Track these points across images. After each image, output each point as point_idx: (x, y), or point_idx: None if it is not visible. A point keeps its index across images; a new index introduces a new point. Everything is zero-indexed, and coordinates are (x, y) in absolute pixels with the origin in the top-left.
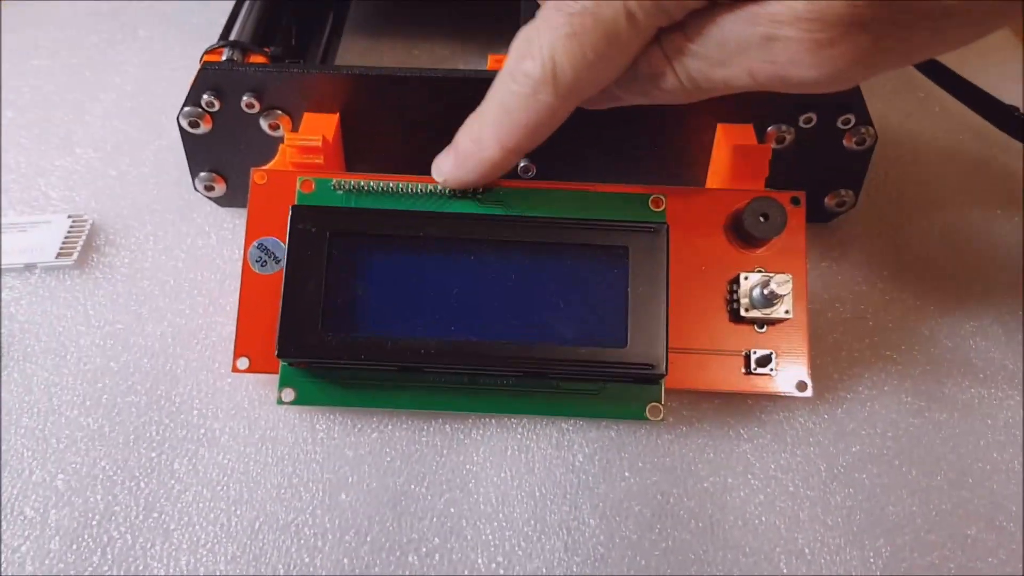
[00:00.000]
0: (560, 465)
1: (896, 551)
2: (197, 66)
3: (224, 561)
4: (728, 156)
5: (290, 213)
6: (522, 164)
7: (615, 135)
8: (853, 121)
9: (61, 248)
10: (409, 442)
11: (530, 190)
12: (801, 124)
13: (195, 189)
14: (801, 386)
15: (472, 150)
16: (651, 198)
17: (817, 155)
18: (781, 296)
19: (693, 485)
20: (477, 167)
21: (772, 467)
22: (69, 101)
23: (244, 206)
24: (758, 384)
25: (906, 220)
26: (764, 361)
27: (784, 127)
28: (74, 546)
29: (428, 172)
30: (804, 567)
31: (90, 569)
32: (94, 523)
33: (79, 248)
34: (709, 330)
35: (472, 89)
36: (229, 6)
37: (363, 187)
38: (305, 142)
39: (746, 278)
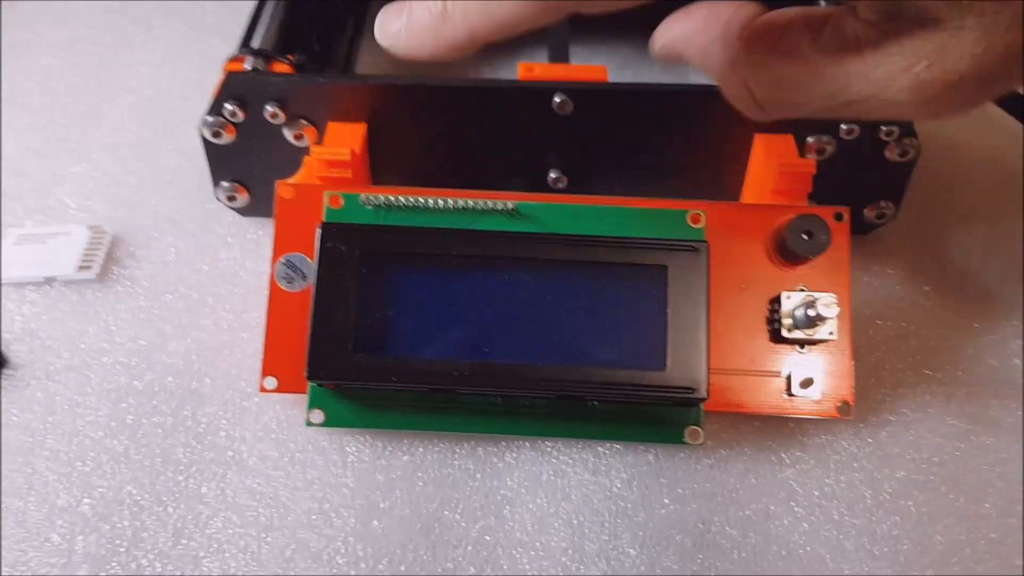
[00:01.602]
0: (598, 492)
1: None
2: (214, 66)
3: None
4: (769, 170)
5: (319, 231)
6: (553, 175)
7: (648, 145)
8: (897, 133)
9: (82, 261)
10: (441, 465)
11: (564, 206)
12: (842, 135)
13: (217, 199)
14: (845, 409)
15: (433, 25)
16: (690, 214)
17: (858, 167)
18: (826, 319)
19: (735, 513)
20: (433, 45)
21: (816, 494)
22: (83, 103)
23: (267, 216)
24: (800, 406)
25: (946, 232)
26: (807, 383)
27: (825, 138)
28: (102, 574)
29: (458, 185)
30: None
31: None
32: (122, 550)
33: (100, 261)
34: (749, 351)
35: (504, 98)
36: (243, 4)
37: (393, 202)
38: (333, 156)
39: (788, 298)
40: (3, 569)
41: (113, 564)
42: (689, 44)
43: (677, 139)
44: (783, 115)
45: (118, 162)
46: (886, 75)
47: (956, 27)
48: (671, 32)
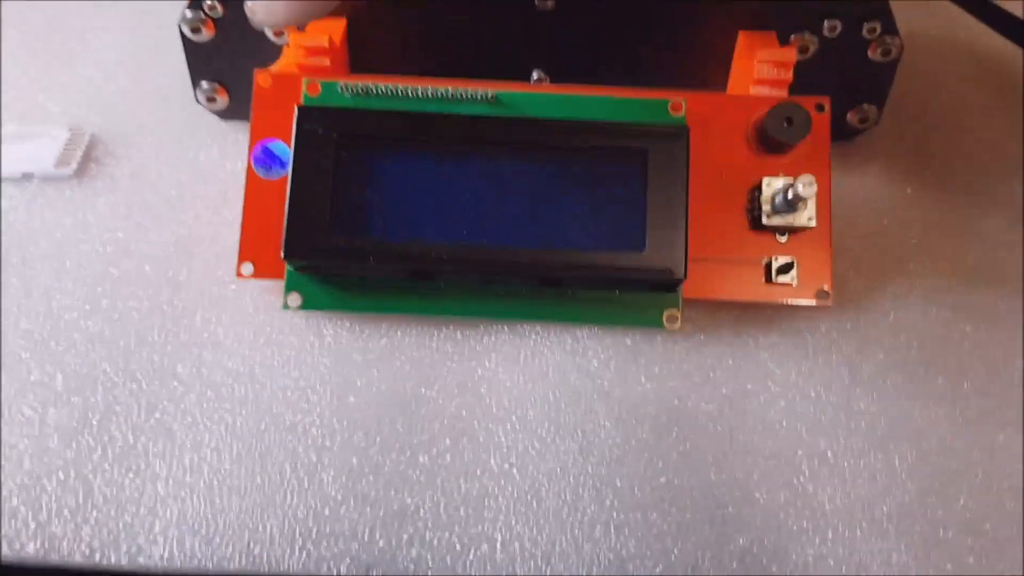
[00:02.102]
0: (574, 370)
1: (922, 455)
2: None
3: (229, 460)
4: (751, 62)
5: (296, 113)
6: (536, 76)
7: (631, 41)
8: (879, 30)
9: (60, 159)
10: (418, 347)
11: (544, 95)
12: (825, 33)
13: (196, 100)
14: (823, 295)
15: None
16: (671, 103)
17: (840, 67)
18: (805, 199)
19: (711, 391)
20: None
21: (793, 374)
22: (68, 9)
23: (247, 119)
24: (778, 293)
25: (928, 140)
26: (785, 269)
27: (807, 35)
28: (73, 444)
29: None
30: (827, 470)
31: (90, 466)
32: (94, 422)
33: (78, 159)
34: (728, 239)
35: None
36: None
37: (371, 90)
38: (312, 42)
39: (768, 184)
40: None
41: (84, 435)
42: None
43: (661, 37)
44: None
45: (102, 71)
46: None
47: None
48: None
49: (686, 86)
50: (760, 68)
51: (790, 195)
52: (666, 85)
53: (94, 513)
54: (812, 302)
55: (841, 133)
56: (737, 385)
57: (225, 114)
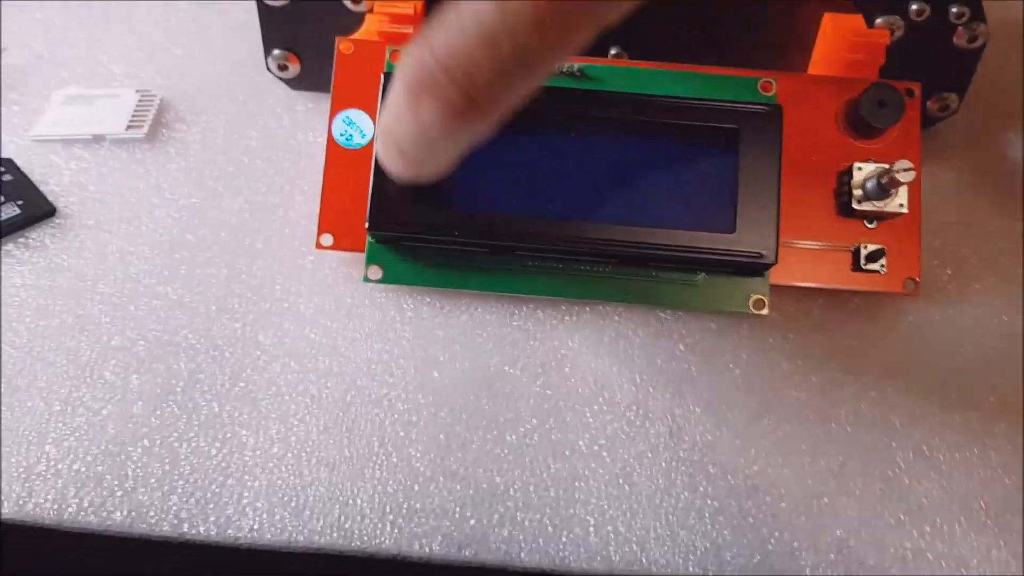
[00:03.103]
0: (660, 353)
1: (1018, 450)
2: None
3: (317, 431)
4: (841, 43)
5: (382, 81)
6: (614, 52)
7: (714, 21)
8: (967, 15)
9: (131, 121)
10: (500, 325)
11: (631, 68)
12: (912, 16)
13: (267, 69)
14: (911, 284)
15: None
16: (760, 81)
17: (924, 53)
18: (901, 185)
19: (801, 379)
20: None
21: (883, 364)
22: None
23: (318, 90)
24: (866, 282)
25: (1008, 131)
26: (875, 256)
27: (893, 18)
28: (158, 411)
29: None
30: (923, 462)
31: (176, 434)
32: (178, 389)
33: (149, 122)
34: (816, 223)
35: None
36: None
37: None
38: (396, 9)
39: (860, 168)
40: (55, 405)
41: (169, 403)
42: None
43: (743, 15)
44: None
45: (165, 32)
46: None
47: None
48: None
49: (765, 66)
50: (852, 49)
51: (884, 180)
52: (745, 64)
53: (180, 483)
54: (900, 291)
55: (920, 121)
56: (827, 374)
57: (295, 83)
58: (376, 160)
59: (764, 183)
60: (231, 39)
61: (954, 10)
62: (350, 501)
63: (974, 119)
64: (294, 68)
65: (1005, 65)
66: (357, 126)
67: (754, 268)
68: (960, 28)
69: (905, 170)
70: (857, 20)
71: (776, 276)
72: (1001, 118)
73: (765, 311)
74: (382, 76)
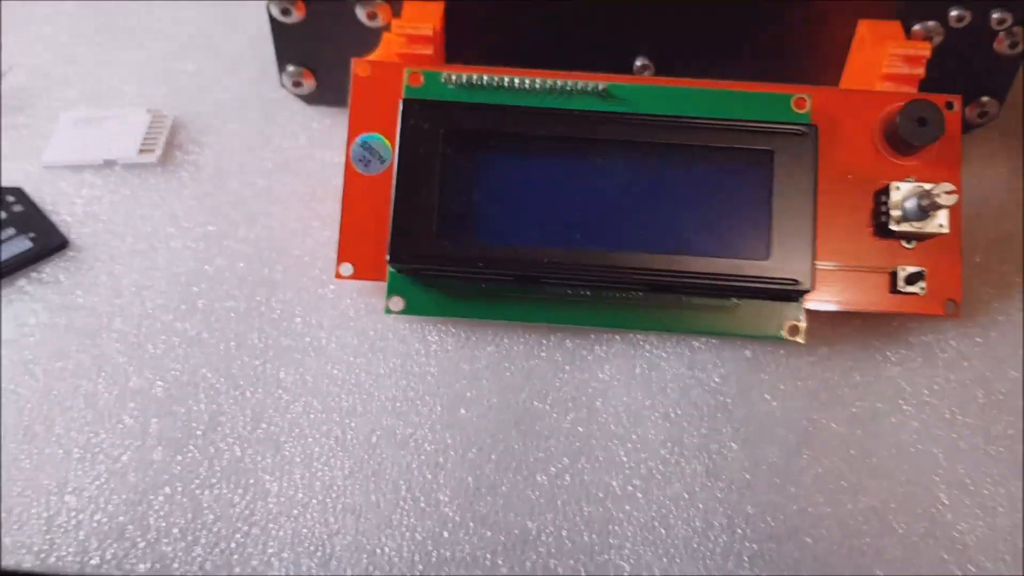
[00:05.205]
0: (695, 386)
1: None
2: None
3: (342, 476)
4: (879, 55)
5: (400, 107)
6: (639, 63)
7: (741, 30)
8: (1009, 20)
9: (143, 145)
10: (528, 357)
11: (658, 87)
12: (952, 23)
13: (281, 85)
14: (951, 307)
15: None
16: (794, 98)
17: (964, 59)
18: (943, 208)
19: (840, 410)
20: None
21: (925, 392)
22: None
23: (333, 104)
24: (906, 304)
25: None
26: (914, 279)
27: (932, 24)
28: (179, 457)
29: (543, 66)
30: (967, 498)
31: (197, 481)
32: (199, 433)
33: (162, 144)
34: (852, 245)
35: None
36: None
37: (476, 81)
38: (414, 31)
39: (898, 188)
40: (75, 451)
41: (190, 447)
42: None
43: (773, 23)
44: None
45: (176, 49)
46: None
47: None
48: None
49: (797, 75)
50: (891, 62)
51: (925, 203)
52: (776, 74)
53: (204, 532)
54: (941, 313)
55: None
56: (867, 404)
57: (311, 99)
58: (397, 188)
59: (799, 207)
60: (244, 55)
61: (996, 16)
62: (377, 550)
63: (1015, 125)
64: (309, 84)
65: None
66: (376, 151)
67: (789, 294)
68: (1001, 34)
69: (947, 193)
70: (895, 27)
71: (812, 300)
72: None
73: (800, 338)
74: (401, 102)
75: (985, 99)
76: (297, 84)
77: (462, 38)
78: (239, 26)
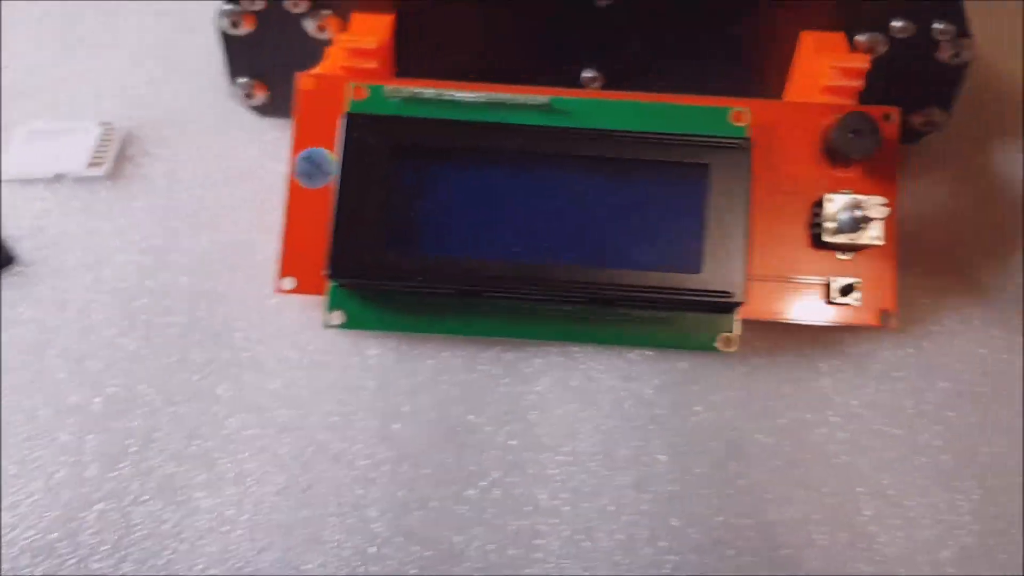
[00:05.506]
0: (628, 398)
1: (987, 494)
2: None
3: (273, 492)
4: (820, 68)
5: (343, 121)
6: (587, 74)
7: (688, 42)
8: (951, 31)
9: (93, 158)
10: (466, 370)
11: (600, 101)
12: (894, 34)
13: (233, 97)
14: (886, 318)
15: None
16: (732, 111)
17: (908, 69)
18: (874, 220)
19: (769, 422)
20: None
21: (854, 403)
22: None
23: (286, 116)
24: (840, 316)
25: (997, 142)
26: (847, 290)
27: (877, 36)
28: (113, 473)
29: (496, 77)
30: (888, 509)
31: (130, 498)
32: (133, 450)
33: (112, 158)
34: (788, 257)
35: None
36: None
37: (420, 95)
38: (357, 44)
39: (831, 200)
40: (10, 468)
41: (124, 464)
42: None
43: (720, 35)
44: None
45: (130, 60)
46: None
47: None
48: None
49: (744, 86)
50: (830, 74)
51: (858, 214)
52: (724, 86)
53: (134, 550)
54: (875, 325)
55: (905, 136)
56: (796, 414)
57: (264, 110)
58: (338, 202)
59: (732, 220)
60: (201, 65)
61: (938, 27)
62: (304, 567)
63: (964, 134)
64: (261, 96)
65: (998, 77)
66: (320, 165)
67: (721, 307)
68: (944, 44)
69: (878, 206)
70: (838, 39)
71: (747, 312)
72: (992, 134)
73: (734, 348)
74: (344, 116)
75: (932, 108)
76: (249, 96)
77: (414, 51)
78: (196, 36)
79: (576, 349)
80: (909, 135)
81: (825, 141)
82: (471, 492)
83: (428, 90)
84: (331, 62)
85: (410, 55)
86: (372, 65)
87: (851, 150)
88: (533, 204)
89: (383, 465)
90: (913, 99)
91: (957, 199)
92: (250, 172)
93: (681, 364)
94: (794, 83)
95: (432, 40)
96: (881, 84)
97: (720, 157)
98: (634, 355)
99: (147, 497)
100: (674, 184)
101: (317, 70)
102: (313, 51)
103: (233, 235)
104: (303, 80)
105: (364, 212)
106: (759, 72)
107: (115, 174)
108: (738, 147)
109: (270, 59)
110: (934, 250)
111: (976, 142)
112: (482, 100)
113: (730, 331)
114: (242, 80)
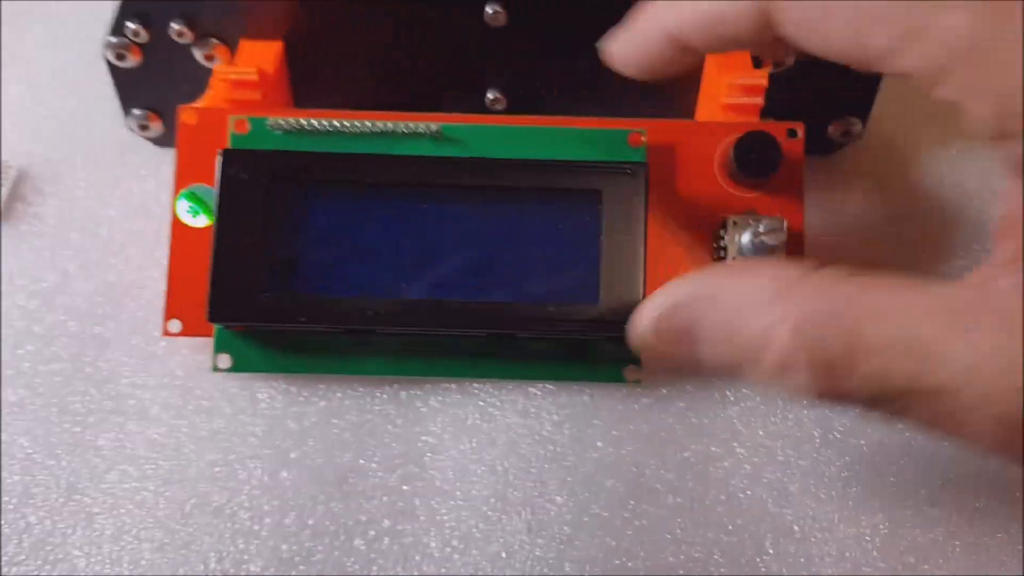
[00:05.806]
0: (526, 436)
1: (896, 527)
2: None
3: (150, 549)
4: (719, 86)
5: (219, 158)
6: (491, 96)
7: (592, 60)
8: None
9: None
10: (359, 411)
11: (493, 127)
12: None
13: (129, 129)
14: None
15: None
16: (630, 134)
17: (821, 78)
18: (772, 247)
19: (672, 455)
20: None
21: (761, 433)
22: None
23: None
24: None
25: (917, 153)
26: None
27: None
28: None
29: (392, 108)
30: (793, 546)
31: (5, 558)
32: (10, 507)
33: (3, 199)
34: None
35: (431, 10)
36: None
37: (304, 126)
38: (238, 75)
39: (735, 223)
40: None
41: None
42: None
43: None
44: None
45: (28, 92)
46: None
47: None
48: None
49: (655, 106)
50: (730, 92)
51: (757, 240)
52: (634, 106)
53: None
54: None
55: (821, 147)
56: (701, 447)
57: (161, 141)
58: (217, 243)
59: (629, 246)
60: (102, 96)
61: None
62: None
63: (882, 144)
64: (156, 127)
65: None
66: (204, 201)
67: (622, 337)
68: None
69: (772, 232)
70: (741, 56)
71: None
72: (909, 144)
73: (636, 378)
74: (219, 153)
75: (848, 118)
76: (144, 127)
77: (311, 79)
78: (98, 67)
79: (476, 385)
80: (826, 146)
81: (727, 161)
82: (359, 543)
83: (312, 120)
84: (214, 93)
85: (308, 83)
86: (255, 96)
87: (751, 171)
88: (422, 237)
89: (267, 517)
90: (829, 109)
91: (873, 213)
92: (144, 207)
93: (583, 397)
94: (702, 103)
95: (328, 68)
96: (798, 96)
97: (613, 182)
98: (536, 389)
99: (23, 556)
100: (568, 212)
101: (200, 103)
102: (205, 79)
103: (124, 275)
104: (184, 113)
105: (243, 252)
106: (672, 92)
107: (6, 214)
108: (632, 172)
109: (163, 90)
110: (854, 266)
111: (895, 155)
112: (368, 130)
113: (636, 362)
114: (136, 112)
